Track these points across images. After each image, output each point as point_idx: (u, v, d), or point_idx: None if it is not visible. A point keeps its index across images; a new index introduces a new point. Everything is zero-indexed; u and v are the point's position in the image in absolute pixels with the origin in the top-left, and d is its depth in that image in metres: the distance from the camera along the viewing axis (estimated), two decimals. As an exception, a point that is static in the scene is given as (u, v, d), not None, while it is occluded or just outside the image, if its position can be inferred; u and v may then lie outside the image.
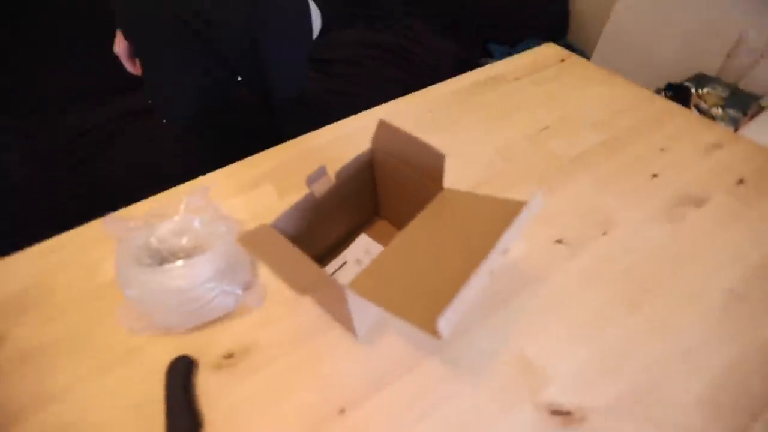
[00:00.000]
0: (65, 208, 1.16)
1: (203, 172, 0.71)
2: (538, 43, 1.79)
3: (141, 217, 0.54)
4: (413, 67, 1.63)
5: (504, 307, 0.51)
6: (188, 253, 0.55)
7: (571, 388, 0.45)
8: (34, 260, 0.59)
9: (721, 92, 1.20)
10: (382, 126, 0.47)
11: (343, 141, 0.75)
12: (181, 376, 0.43)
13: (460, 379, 0.45)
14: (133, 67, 0.84)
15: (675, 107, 0.80)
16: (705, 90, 1.20)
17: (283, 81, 0.92)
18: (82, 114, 1.39)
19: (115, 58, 0.83)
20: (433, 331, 0.27)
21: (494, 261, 0.31)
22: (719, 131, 0.74)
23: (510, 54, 1.82)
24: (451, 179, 0.67)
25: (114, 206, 0.64)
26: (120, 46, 0.82)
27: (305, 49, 0.95)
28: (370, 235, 0.59)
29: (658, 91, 1.23)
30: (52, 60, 1.40)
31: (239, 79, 0.88)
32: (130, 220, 0.54)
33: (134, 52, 0.82)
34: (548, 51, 0.96)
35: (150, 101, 0.88)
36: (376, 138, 0.49)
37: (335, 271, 0.55)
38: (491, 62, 1.79)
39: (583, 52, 1.89)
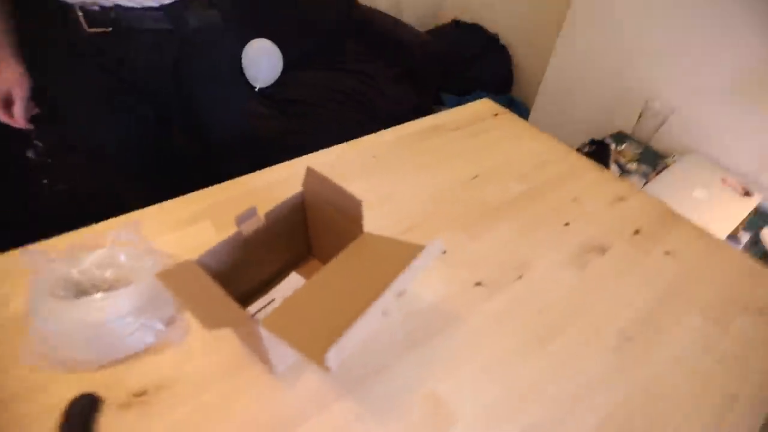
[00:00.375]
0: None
1: (137, 208, 0.70)
2: (486, 96, 1.96)
3: (64, 249, 0.53)
4: (372, 111, 1.72)
5: (422, 347, 0.54)
6: (111, 286, 0.54)
7: (478, 425, 0.47)
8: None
9: (636, 149, 1.35)
10: (310, 173, 0.51)
11: (286, 182, 0.78)
12: (81, 415, 0.41)
13: (373, 418, 0.47)
14: (6, 117, 0.75)
15: (589, 163, 0.90)
16: (623, 147, 1.36)
17: (218, 123, 0.92)
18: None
19: None
20: (323, 364, 0.29)
21: (387, 301, 0.34)
22: (624, 186, 0.84)
23: (460, 103, 1.96)
24: (385, 222, 0.71)
25: (37, 238, 0.62)
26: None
27: (240, 92, 0.97)
28: (300, 274, 0.61)
29: (583, 146, 1.37)
30: None
31: (167, 119, 0.88)
32: (52, 252, 0.53)
33: (47, 96, 0.78)
34: (485, 106, 1.06)
35: (73, 142, 0.86)
36: (306, 183, 0.52)
37: (262, 308, 0.56)
38: (443, 110, 1.92)
39: (525, 105, 2.08)
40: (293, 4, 1.82)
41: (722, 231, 1.06)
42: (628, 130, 1.43)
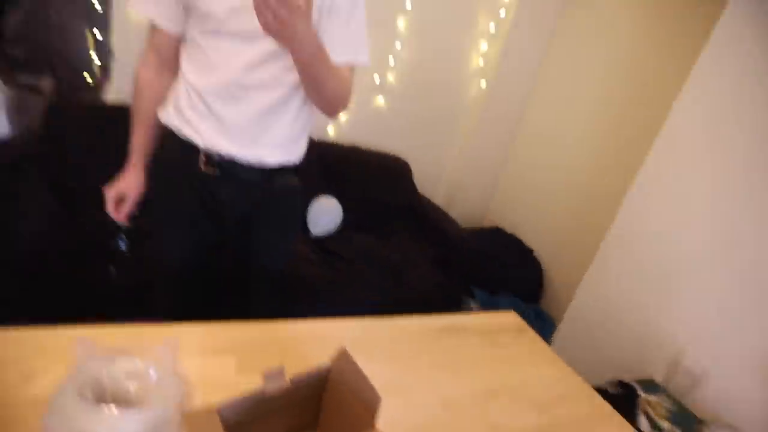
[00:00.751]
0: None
1: (170, 314, 0.77)
2: (514, 299, 2.04)
3: (108, 347, 0.58)
4: (406, 285, 1.83)
5: None
6: (129, 402, 0.56)
7: None
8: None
9: (668, 404, 1.28)
10: (343, 355, 0.56)
11: (313, 340, 0.82)
12: None
13: None
14: (113, 211, 0.96)
15: (612, 412, 0.88)
16: (653, 398, 1.30)
17: (266, 258, 1.05)
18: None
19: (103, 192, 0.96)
20: None
21: None
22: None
23: (490, 301, 2.05)
24: (393, 417, 0.70)
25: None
26: (118, 187, 0.96)
27: (294, 238, 1.14)
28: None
29: (608, 385, 1.33)
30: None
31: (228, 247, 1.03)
32: (97, 347, 0.58)
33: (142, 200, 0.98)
34: (510, 319, 1.12)
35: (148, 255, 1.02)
36: (335, 362, 0.57)
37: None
38: (473, 303, 2.00)
39: (552, 321, 2.11)
40: (367, 177, 2.18)
41: None
42: (659, 379, 1.39)
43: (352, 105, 1.96)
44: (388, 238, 2.11)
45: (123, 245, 1.04)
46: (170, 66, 0.91)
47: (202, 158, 0.89)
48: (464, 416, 0.75)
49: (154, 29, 0.89)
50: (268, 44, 0.79)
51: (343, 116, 2.25)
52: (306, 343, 0.80)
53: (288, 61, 0.80)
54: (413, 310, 1.76)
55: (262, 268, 1.06)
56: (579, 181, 2.21)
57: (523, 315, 1.93)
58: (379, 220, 2.19)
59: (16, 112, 1.72)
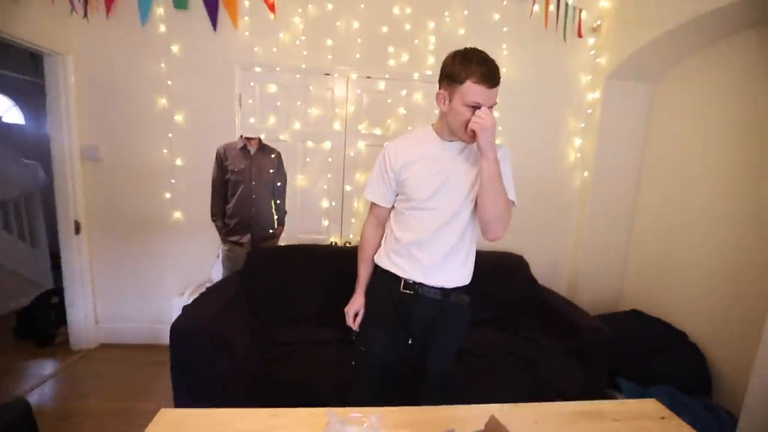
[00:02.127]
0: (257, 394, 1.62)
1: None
2: (672, 392, 1.84)
3: (342, 417, 0.89)
4: (540, 379, 1.86)
5: None
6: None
7: None
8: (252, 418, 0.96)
9: None
10: (492, 420, 0.77)
11: (466, 420, 1.01)
12: None
13: None
14: (353, 324, 1.40)
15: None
16: None
17: (439, 359, 1.37)
18: (292, 332, 2.06)
19: (342, 312, 1.42)
20: None
21: None
22: None
23: (640, 394, 1.89)
24: None
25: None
26: (353, 306, 1.41)
27: (458, 344, 1.41)
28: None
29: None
30: (291, 289, 2.22)
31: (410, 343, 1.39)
32: (339, 419, 0.89)
33: (363, 317, 1.40)
34: (651, 406, 1.13)
35: (361, 348, 1.39)
36: (488, 426, 0.78)
37: None
38: (618, 396, 1.88)
39: (730, 415, 1.80)
40: (486, 276, 2.37)
41: None
42: None
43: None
44: (515, 332, 2.19)
45: (355, 342, 1.46)
46: (383, 225, 1.43)
47: (402, 284, 1.31)
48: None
49: (375, 205, 1.39)
50: (449, 212, 1.25)
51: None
52: (462, 422, 1.00)
53: (458, 220, 1.26)
54: (550, 399, 1.77)
55: (435, 366, 1.36)
56: (720, 252, 2.05)
57: (687, 409, 1.75)
58: (504, 316, 2.31)
59: (227, 260, 2.49)
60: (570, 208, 2.74)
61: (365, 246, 1.44)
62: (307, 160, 2.66)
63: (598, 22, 2.53)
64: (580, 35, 2.45)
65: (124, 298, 2.65)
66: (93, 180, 2.53)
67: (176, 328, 1.64)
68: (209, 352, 1.64)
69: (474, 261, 1.35)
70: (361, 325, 1.41)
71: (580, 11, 2.44)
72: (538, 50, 2.56)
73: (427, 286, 1.29)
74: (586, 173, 2.65)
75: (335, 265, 2.27)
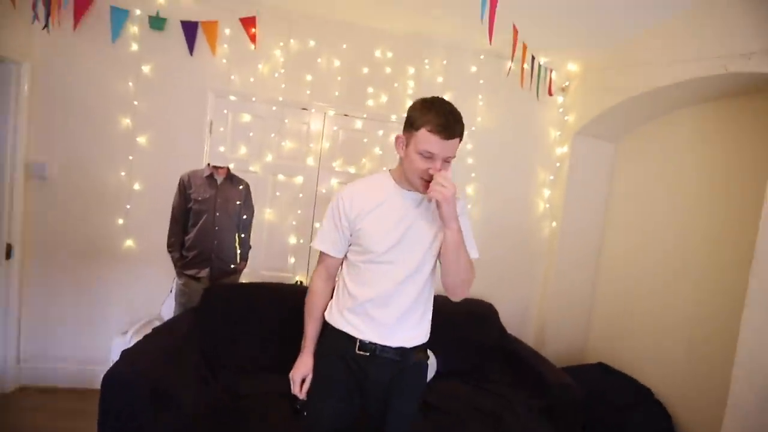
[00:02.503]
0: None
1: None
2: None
3: None
4: (508, 436, 1.77)
5: None
6: None
7: None
8: None
9: None
10: None
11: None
12: None
13: None
14: (299, 392, 1.23)
15: None
16: None
17: (398, 423, 1.22)
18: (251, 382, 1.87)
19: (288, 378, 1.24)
20: None
21: None
22: None
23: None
24: None
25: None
26: (300, 371, 1.23)
27: (417, 404, 1.30)
28: None
29: None
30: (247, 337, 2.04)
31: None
32: None
33: (311, 383, 1.24)
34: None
35: (310, 416, 1.25)
36: None
37: None
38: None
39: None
40: (455, 323, 2.32)
41: None
42: None
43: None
44: (483, 383, 2.11)
45: (300, 407, 1.33)
46: (333, 277, 1.30)
47: (357, 345, 1.18)
48: None
49: (326, 255, 1.25)
50: (410, 267, 1.15)
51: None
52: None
53: (420, 275, 1.17)
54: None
55: (394, 430, 1.23)
56: (681, 307, 2.11)
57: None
58: (473, 366, 2.23)
59: (181, 295, 2.29)
60: (539, 257, 2.78)
61: (315, 301, 1.28)
62: (277, 194, 2.56)
63: (567, 83, 2.69)
64: (550, 93, 2.58)
65: (56, 333, 2.36)
66: (36, 200, 2.29)
67: (110, 376, 1.44)
68: (148, 408, 1.43)
69: (431, 315, 1.27)
70: (309, 390, 1.25)
71: (551, 71, 2.59)
72: (512, 104, 2.66)
73: (384, 346, 1.17)
74: (554, 224, 2.71)
75: (301, 305, 2.12)
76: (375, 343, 1.17)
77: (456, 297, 1.19)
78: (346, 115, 2.60)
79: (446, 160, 1.10)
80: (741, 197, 1.88)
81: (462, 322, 2.34)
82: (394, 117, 2.60)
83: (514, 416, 1.88)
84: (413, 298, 1.18)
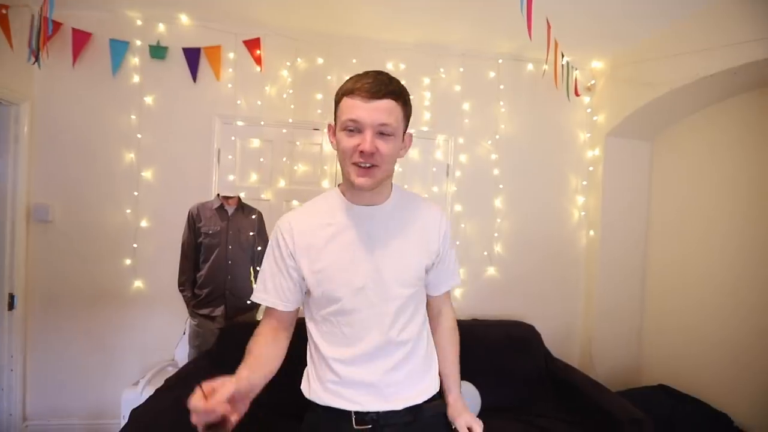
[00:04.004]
0: None
1: None
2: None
3: None
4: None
5: None
6: None
7: None
8: None
9: None
10: None
11: None
12: None
13: None
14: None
15: None
16: None
17: None
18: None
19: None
20: None
21: None
22: None
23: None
24: None
25: None
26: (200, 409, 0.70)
27: None
28: None
29: None
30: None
31: None
32: None
33: None
34: None
35: None
36: None
37: None
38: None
39: None
40: (495, 350, 2.09)
41: None
42: None
43: (466, 277, 2.03)
44: (534, 420, 1.87)
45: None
46: (288, 331, 0.96)
47: (353, 419, 0.90)
48: None
49: (273, 310, 0.93)
50: (393, 305, 0.90)
51: (457, 291, 2.35)
52: None
53: (408, 310, 0.93)
54: None
55: None
56: (747, 319, 1.86)
57: None
58: (518, 397, 1.99)
59: (195, 337, 2.11)
60: (577, 269, 2.55)
61: (255, 349, 0.89)
62: (293, 220, 2.39)
63: (592, 82, 2.51)
64: (577, 94, 2.41)
65: (64, 387, 2.19)
66: (39, 245, 2.16)
67: (120, 446, 1.25)
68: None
69: (435, 352, 1.02)
70: None
71: (575, 70, 2.42)
72: (536, 108, 2.49)
73: (389, 412, 0.90)
74: (591, 232, 2.49)
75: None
76: (377, 412, 0.90)
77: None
78: (359, 133, 2.45)
79: (382, 132, 0.83)
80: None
81: (502, 349, 2.12)
82: (412, 131, 2.43)
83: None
84: (410, 340, 0.93)
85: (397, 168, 2.47)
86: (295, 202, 2.40)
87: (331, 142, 0.91)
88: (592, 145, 2.52)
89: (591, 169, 2.52)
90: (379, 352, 0.90)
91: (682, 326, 2.21)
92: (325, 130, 0.98)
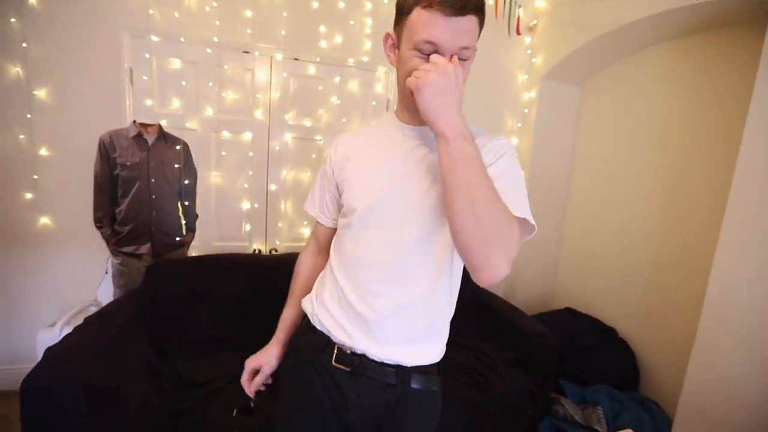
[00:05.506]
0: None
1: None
2: (609, 390, 1.89)
3: None
4: (487, 390, 1.76)
5: None
6: None
7: None
8: None
9: None
10: None
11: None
12: None
13: None
14: (247, 386, 0.95)
15: None
16: None
17: None
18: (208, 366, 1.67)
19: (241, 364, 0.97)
20: None
21: None
22: None
23: (582, 395, 1.91)
24: None
25: None
26: (256, 360, 0.95)
27: None
28: None
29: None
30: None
31: None
32: None
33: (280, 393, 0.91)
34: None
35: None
36: None
37: None
38: (563, 400, 1.87)
39: (659, 406, 1.91)
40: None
41: None
42: None
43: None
44: (459, 340, 2.08)
45: (251, 409, 1.04)
46: (326, 253, 0.96)
47: (335, 352, 0.84)
48: None
49: (317, 224, 0.98)
50: (410, 232, 0.78)
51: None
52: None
53: (428, 247, 0.78)
54: (503, 417, 1.68)
55: None
56: (645, 249, 2.15)
57: (625, 406, 1.80)
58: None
59: (119, 276, 1.99)
60: (506, 207, 2.72)
61: (295, 279, 1.02)
62: (223, 153, 2.23)
63: (535, 22, 2.51)
64: (518, 32, 2.39)
65: (-34, 332, 1.99)
66: None
67: (30, 381, 1.18)
68: (82, 413, 1.19)
69: (448, 327, 0.88)
70: (266, 394, 0.96)
71: (519, 7, 2.38)
72: (479, 45, 2.44)
73: (373, 360, 0.81)
74: (522, 172, 2.64)
75: (260, 276, 1.93)
76: (359, 354, 0.81)
77: (480, 273, 0.67)
78: (296, 59, 2.26)
79: (461, 57, 0.71)
80: (712, 137, 1.87)
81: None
82: (351, 60, 2.30)
83: (492, 369, 1.87)
84: (421, 282, 0.79)
85: (334, 100, 2.36)
86: (225, 133, 2.22)
87: (388, 56, 0.80)
88: (528, 87, 2.58)
89: (526, 111, 2.60)
90: (382, 271, 0.80)
91: (589, 255, 2.51)
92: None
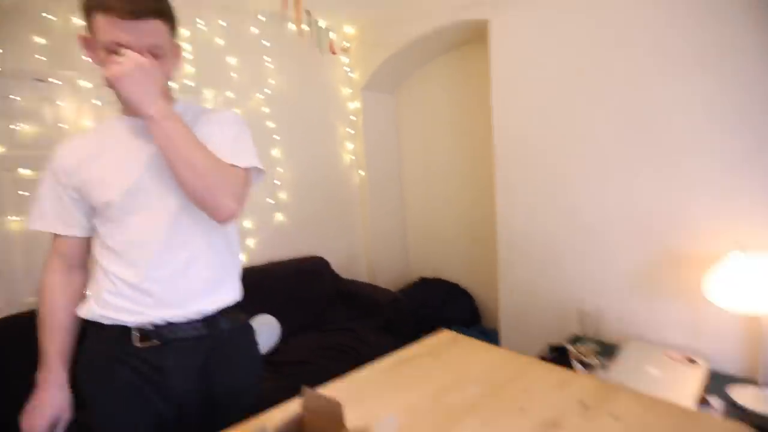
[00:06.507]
0: None
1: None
2: (457, 329, 2.24)
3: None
4: (359, 359, 1.93)
5: None
6: None
7: None
8: None
9: (594, 346, 1.57)
10: (305, 392, 0.71)
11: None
12: None
13: None
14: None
15: (534, 360, 1.10)
16: (580, 346, 1.57)
17: (234, 406, 0.94)
18: None
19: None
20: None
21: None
22: (564, 372, 1.02)
23: (438, 343, 2.21)
24: (365, 420, 0.84)
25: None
26: (32, 415, 0.84)
27: (257, 381, 1.03)
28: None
29: (546, 353, 1.59)
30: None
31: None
32: None
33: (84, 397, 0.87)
34: (445, 335, 1.33)
35: None
36: (303, 402, 0.71)
37: None
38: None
39: (495, 332, 2.35)
40: (291, 284, 2.33)
41: (688, 398, 1.15)
42: (578, 331, 1.69)
43: (256, 227, 2.19)
44: (329, 328, 2.22)
45: None
46: (79, 268, 0.93)
47: (136, 335, 0.84)
48: (425, 412, 0.91)
49: (56, 237, 0.90)
50: (172, 206, 0.85)
51: (251, 241, 2.45)
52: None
53: (193, 214, 0.85)
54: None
55: (229, 414, 0.90)
56: (463, 213, 2.68)
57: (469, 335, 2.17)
58: (314, 315, 2.31)
59: None
60: (353, 203, 3.01)
61: (49, 304, 0.88)
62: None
63: (347, 44, 2.92)
64: (333, 52, 2.76)
65: None
66: None
67: None
68: None
69: (238, 267, 0.99)
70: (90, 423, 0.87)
71: (329, 32, 2.76)
72: (301, 65, 2.72)
73: (179, 323, 0.85)
74: (361, 172, 2.98)
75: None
76: (162, 325, 0.84)
77: (216, 213, 0.81)
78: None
79: (153, 53, 0.78)
80: (484, 126, 2.47)
81: (296, 282, 2.37)
82: (176, 85, 2.33)
83: (362, 342, 2.05)
84: (199, 239, 0.88)
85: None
86: (26, 171, 1.98)
87: (91, 57, 0.81)
88: (352, 98, 2.96)
89: (354, 118, 2.97)
90: (162, 253, 0.85)
91: (430, 231, 2.97)
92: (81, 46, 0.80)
